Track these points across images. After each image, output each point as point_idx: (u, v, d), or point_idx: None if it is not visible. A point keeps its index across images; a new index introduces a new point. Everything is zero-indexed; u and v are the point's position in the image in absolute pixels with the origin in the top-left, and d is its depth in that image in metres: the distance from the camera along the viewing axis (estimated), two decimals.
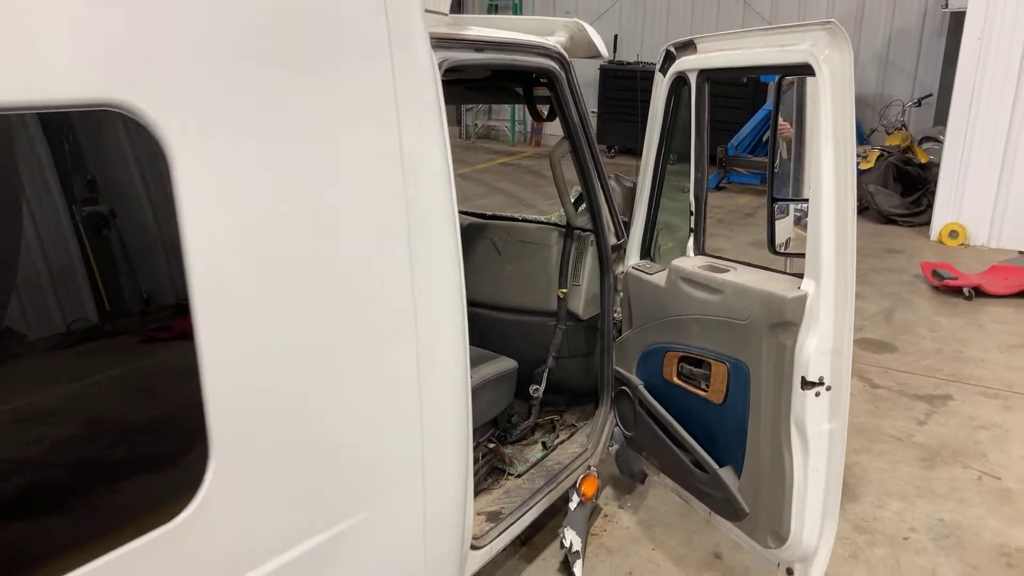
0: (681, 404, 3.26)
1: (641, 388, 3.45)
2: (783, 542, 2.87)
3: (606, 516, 3.85)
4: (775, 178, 3.12)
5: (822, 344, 2.67)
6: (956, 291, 7.10)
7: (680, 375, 3.25)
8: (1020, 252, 8.39)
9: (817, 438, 2.75)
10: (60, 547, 1.43)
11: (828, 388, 2.70)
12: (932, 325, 6.44)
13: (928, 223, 9.36)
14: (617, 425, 3.74)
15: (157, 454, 1.59)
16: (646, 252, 3.60)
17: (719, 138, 10.97)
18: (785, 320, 2.70)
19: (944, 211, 9.07)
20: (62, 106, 1.34)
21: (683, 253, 3.36)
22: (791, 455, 2.79)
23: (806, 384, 2.69)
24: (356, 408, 1.92)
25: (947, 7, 10.34)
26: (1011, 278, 7.18)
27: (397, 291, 1.96)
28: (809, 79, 2.59)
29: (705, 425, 3.16)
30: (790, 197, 3.10)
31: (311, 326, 1.76)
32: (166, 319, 1.53)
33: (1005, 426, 4.77)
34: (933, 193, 9.34)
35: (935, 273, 7.28)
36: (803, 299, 2.65)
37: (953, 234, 8.93)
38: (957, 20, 10.51)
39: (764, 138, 11.77)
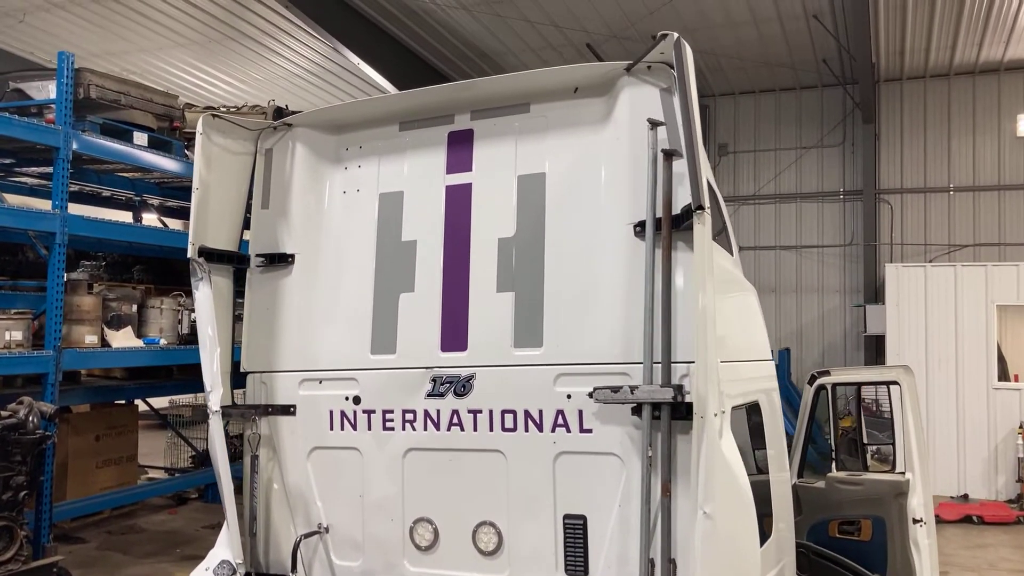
0: (841, 547, 6.50)
1: (812, 544, 6.69)
2: None
3: None
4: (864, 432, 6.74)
5: (919, 501, 6.05)
6: None
7: (839, 532, 6.54)
8: None
9: (924, 548, 6.04)
10: None
11: (924, 523, 6.05)
12: None
13: None
14: None
15: None
16: (800, 475, 7.00)
17: None
18: (902, 492, 6.09)
19: None
20: None
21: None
22: (913, 556, 6.04)
23: (915, 521, 6.04)
24: None
25: (866, 331, 14.89)
26: None
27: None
28: (895, 387, 6.24)
29: (858, 554, 6.39)
30: (875, 443, 6.70)
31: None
32: None
33: None
34: None
35: None
36: (909, 480, 6.08)
37: None
38: (871, 340, 15.09)
39: None
